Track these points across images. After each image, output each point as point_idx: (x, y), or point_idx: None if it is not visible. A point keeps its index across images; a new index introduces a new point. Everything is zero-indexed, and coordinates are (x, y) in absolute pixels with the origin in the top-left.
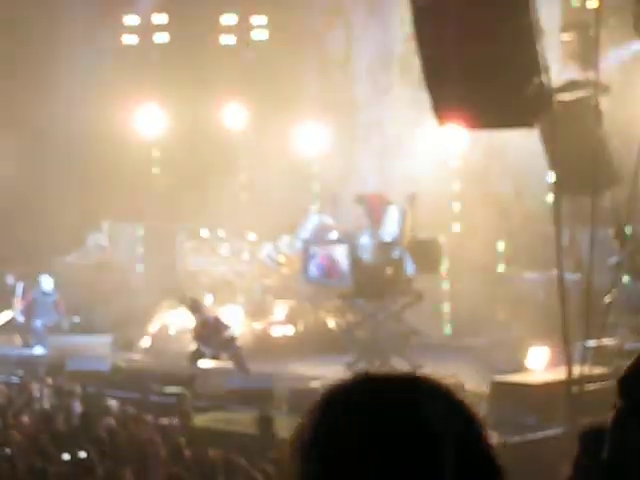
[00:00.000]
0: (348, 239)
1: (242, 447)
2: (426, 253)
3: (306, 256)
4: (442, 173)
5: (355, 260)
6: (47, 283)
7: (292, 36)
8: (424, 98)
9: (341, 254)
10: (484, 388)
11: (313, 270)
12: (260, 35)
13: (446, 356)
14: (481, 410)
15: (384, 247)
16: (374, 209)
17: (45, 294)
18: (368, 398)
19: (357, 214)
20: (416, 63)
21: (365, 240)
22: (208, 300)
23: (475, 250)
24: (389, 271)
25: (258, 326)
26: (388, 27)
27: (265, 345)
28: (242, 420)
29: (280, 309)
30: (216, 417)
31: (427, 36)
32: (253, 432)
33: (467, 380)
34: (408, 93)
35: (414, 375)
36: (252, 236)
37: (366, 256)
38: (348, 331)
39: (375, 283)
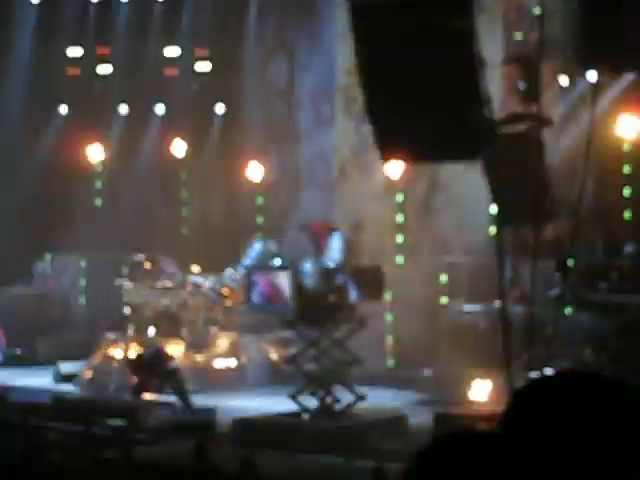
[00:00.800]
0: (291, 265)
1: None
2: (369, 280)
3: (248, 283)
4: (385, 205)
5: (298, 286)
6: None
7: (234, 67)
8: (367, 130)
9: (284, 280)
10: (427, 421)
11: (256, 297)
12: (203, 67)
13: (389, 388)
14: (425, 442)
15: (327, 274)
16: (317, 237)
17: None
18: (465, 461)
19: (301, 242)
20: (359, 95)
21: (308, 267)
22: (150, 332)
23: (418, 282)
24: (332, 298)
25: (201, 358)
26: (330, 58)
27: (208, 377)
28: (184, 453)
29: (223, 341)
30: (158, 450)
31: (368, 67)
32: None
33: (410, 412)
34: (351, 125)
35: (505, 434)
36: (195, 268)
37: (309, 282)
38: (291, 362)
39: (318, 310)
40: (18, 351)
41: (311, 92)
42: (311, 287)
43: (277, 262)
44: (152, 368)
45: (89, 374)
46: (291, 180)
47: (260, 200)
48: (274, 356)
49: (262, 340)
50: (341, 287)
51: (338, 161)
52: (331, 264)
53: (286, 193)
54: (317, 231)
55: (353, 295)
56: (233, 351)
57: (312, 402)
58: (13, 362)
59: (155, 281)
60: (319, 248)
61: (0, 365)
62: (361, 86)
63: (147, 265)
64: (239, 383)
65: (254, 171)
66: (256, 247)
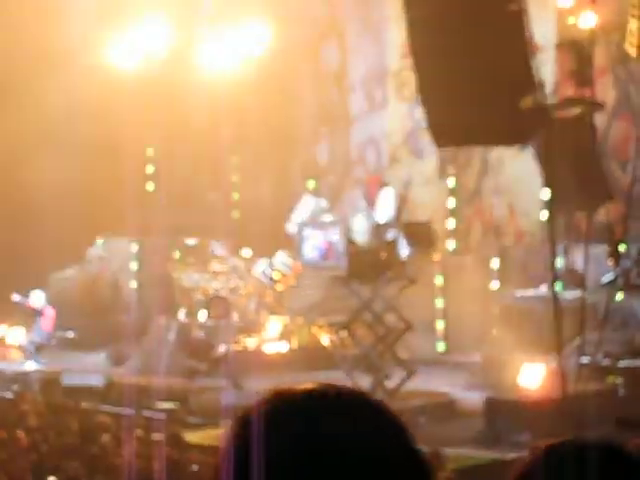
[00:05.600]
0: (342, 221)
1: None
2: (420, 236)
3: (301, 238)
4: (437, 190)
5: (349, 242)
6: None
7: (287, 51)
8: (419, 114)
9: (336, 236)
10: (478, 405)
11: (308, 251)
12: (257, 51)
13: (439, 372)
14: (475, 427)
15: (378, 229)
16: (371, 189)
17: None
18: (282, 417)
19: (352, 199)
20: (411, 79)
21: (359, 222)
22: (201, 316)
23: (469, 267)
24: (383, 254)
25: (252, 342)
26: (383, 42)
27: (259, 361)
28: None
29: (274, 325)
30: (210, 433)
31: (421, 52)
32: None
33: (461, 397)
34: (403, 109)
35: (326, 388)
36: (247, 252)
37: (360, 238)
38: (345, 327)
39: (369, 266)
40: (70, 334)
41: (363, 75)
42: (362, 243)
43: (328, 218)
44: (203, 352)
45: (140, 357)
46: (342, 164)
47: (311, 184)
48: (325, 341)
49: (313, 324)
50: (392, 243)
51: (389, 145)
52: (382, 219)
53: (336, 177)
54: (370, 184)
55: (404, 251)
56: (284, 335)
57: (365, 381)
58: (65, 345)
59: (206, 265)
60: (371, 202)
61: (46, 348)
62: (413, 70)
63: (198, 249)
64: (289, 367)
65: (306, 154)
66: (307, 204)
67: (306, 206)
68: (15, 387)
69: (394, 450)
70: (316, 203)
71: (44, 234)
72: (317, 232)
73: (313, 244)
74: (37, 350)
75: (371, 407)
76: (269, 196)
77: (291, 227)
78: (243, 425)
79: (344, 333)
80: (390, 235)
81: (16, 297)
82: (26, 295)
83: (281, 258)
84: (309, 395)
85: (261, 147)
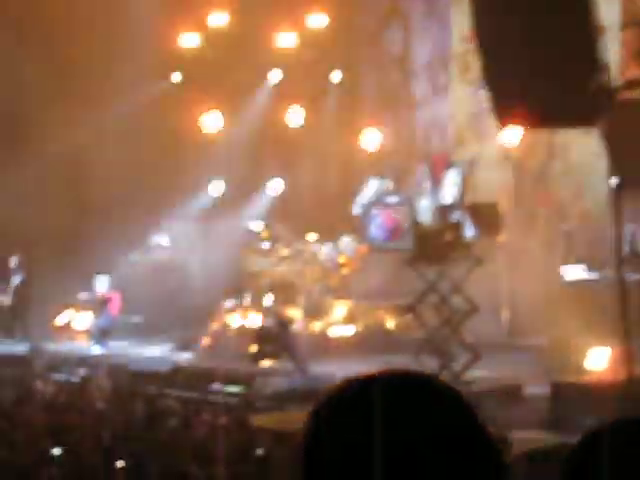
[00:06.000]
0: (408, 202)
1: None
2: (486, 217)
3: (367, 218)
4: (502, 173)
5: (414, 223)
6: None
7: (350, 35)
8: (483, 97)
9: (402, 216)
10: (544, 388)
11: (374, 231)
12: (319, 35)
13: (505, 356)
14: (541, 410)
15: (443, 210)
16: (437, 169)
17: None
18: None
19: (418, 177)
20: (475, 62)
21: (425, 203)
22: (268, 300)
23: (534, 249)
24: (448, 235)
25: (317, 326)
26: (446, 25)
27: (324, 345)
28: (303, 420)
29: (339, 309)
30: (276, 417)
31: (486, 33)
32: None
33: (527, 380)
34: (467, 92)
35: (423, 375)
36: (312, 236)
37: (425, 219)
38: (410, 310)
39: (434, 247)
40: (137, 319)
41: (426, 59)
42: (427, 224)
43: (393, 199)
44: (270, 335)
45: (207, 342)
46: (406, 148)
47: (375, 169)
48: (390, 324)
49: (378, 308)
50: (456, 224)
51: (454, 128)
52: (448, 200)
53: (400, 162)
54: (436, 163)
55: (469, 232)
56: (349, 319)
57: (431, 363)
58: (132, 330)
59: (272, 249)
60: (437, 181)
61: (113, 333)
62: (478, 52)
63: (264, 233)
64: (355, 351)
65: (369, 140)
66: (372, 185)
67: (371, 188)
68: (82, 371)
69: (464, 433)
70: (381, 184)
71: (110, 220)
72: (382, 212)
73: (378, 223)
74: (104, 335)
75: (440, 391)
76: (334, 180)
77: (356, 208)
78: (317, 416)
79: (409, 316)
80: (455, 216)
81: (83, 295)
82: (91, 288)
83: (346, 242)
84: (378, 382)
85: (324, 131)
